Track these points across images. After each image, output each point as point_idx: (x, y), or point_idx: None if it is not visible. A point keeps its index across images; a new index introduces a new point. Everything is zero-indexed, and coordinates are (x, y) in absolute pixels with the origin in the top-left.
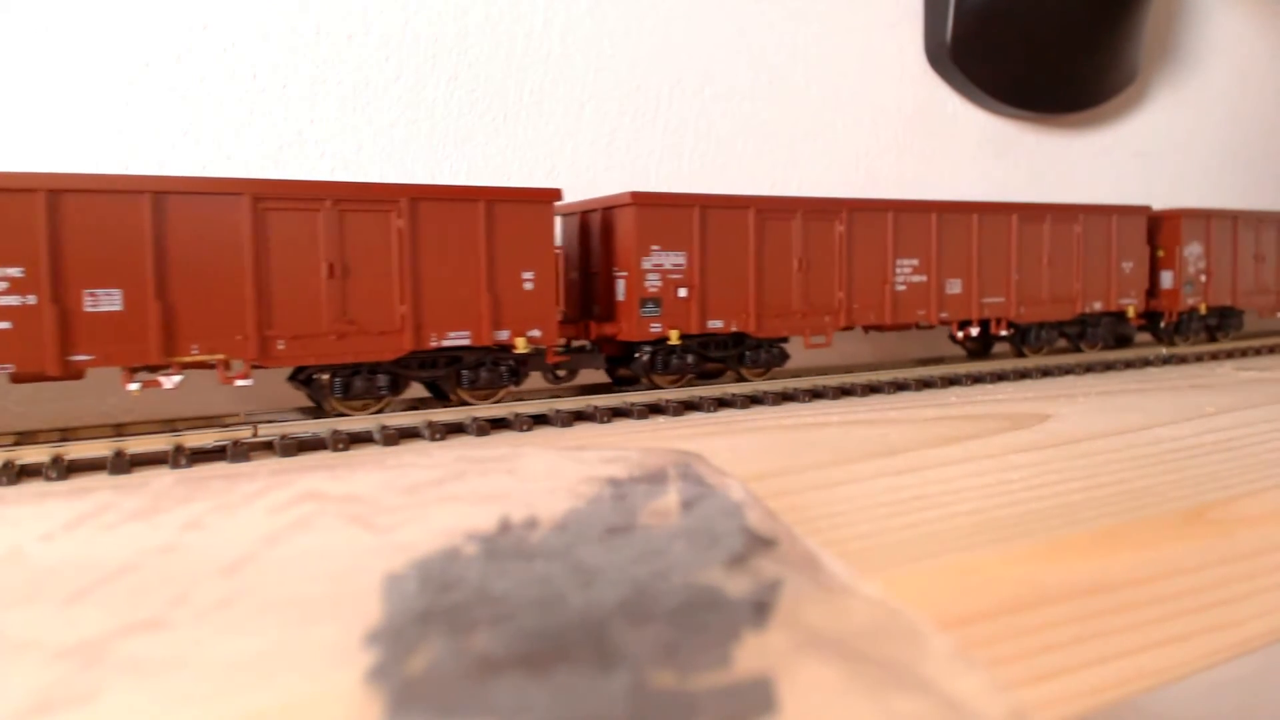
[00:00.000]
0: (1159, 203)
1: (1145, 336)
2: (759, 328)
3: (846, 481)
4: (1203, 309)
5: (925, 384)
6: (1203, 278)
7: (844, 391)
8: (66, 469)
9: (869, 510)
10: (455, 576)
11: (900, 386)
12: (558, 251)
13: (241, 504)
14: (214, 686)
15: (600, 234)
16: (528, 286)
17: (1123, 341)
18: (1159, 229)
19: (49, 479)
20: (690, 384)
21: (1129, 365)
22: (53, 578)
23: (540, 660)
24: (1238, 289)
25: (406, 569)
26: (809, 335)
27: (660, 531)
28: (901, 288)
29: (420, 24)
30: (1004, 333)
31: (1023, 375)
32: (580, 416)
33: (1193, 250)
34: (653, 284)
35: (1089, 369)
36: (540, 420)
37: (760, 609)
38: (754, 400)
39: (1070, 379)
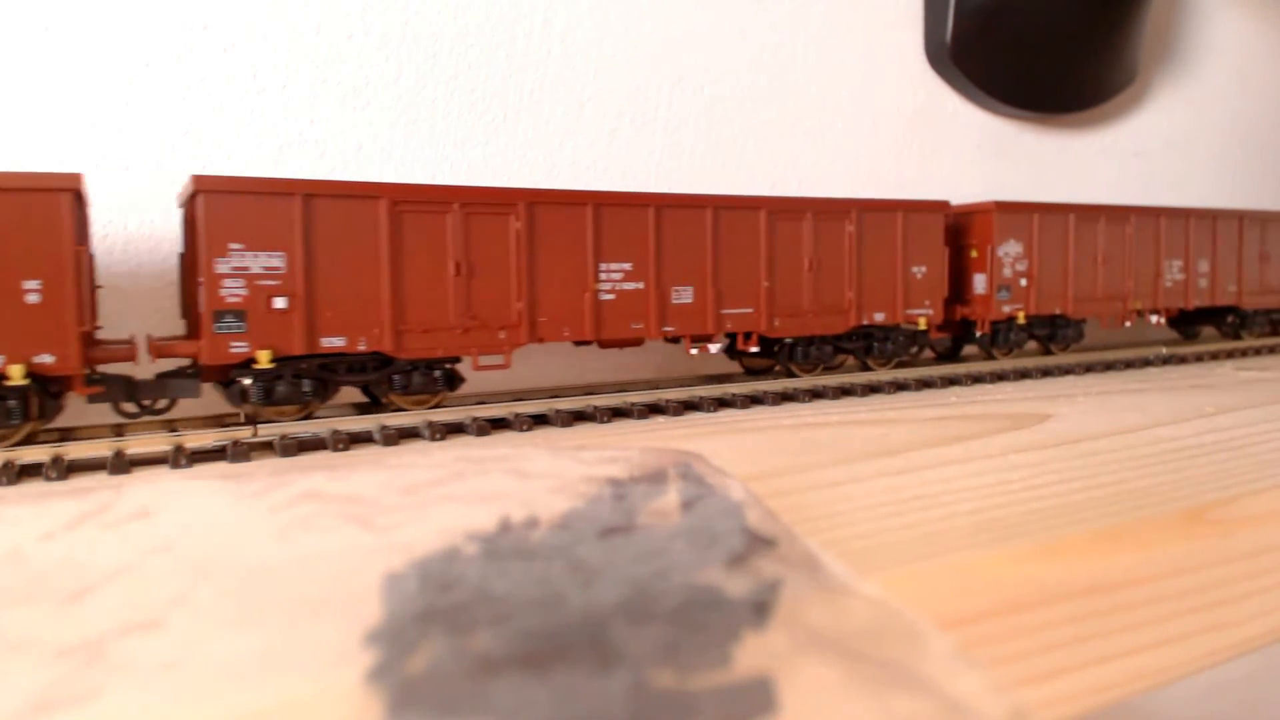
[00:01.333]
0: (1158, 203)
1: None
2: (399, 346)
3: (846, 481)
4: (1021, 318)
5: (925, 384)
6: (1023, 282)
7: (844, 391)
8: (66, 469)
9: (869, 510)
10: (455, 576)
11: (900, 386)
12: (83, 251)
13: (241, 504)
14: (214, 686)
15: (188, 231)
16: (32, 299)
17: (946, 356)
18: (970, 226)
19: (49, 479)
20: (320, 415)
21: (1129, 365)
22: (53, 578)
23: (540, 660)
24: (1072, 295)
25: (406, 569)
26: (478, 354)
27: (660, 531)
28: (608, 297)
29: (420, 24)
30: (754, 349)
31: (1023, 375)
32: (580, 416)
33: (1010, 250)
34: (234, 292)
35: (1089, 369)
36: (540, 420)
37: (760, 609)
38: (754, 400)
39: (1070, 379)
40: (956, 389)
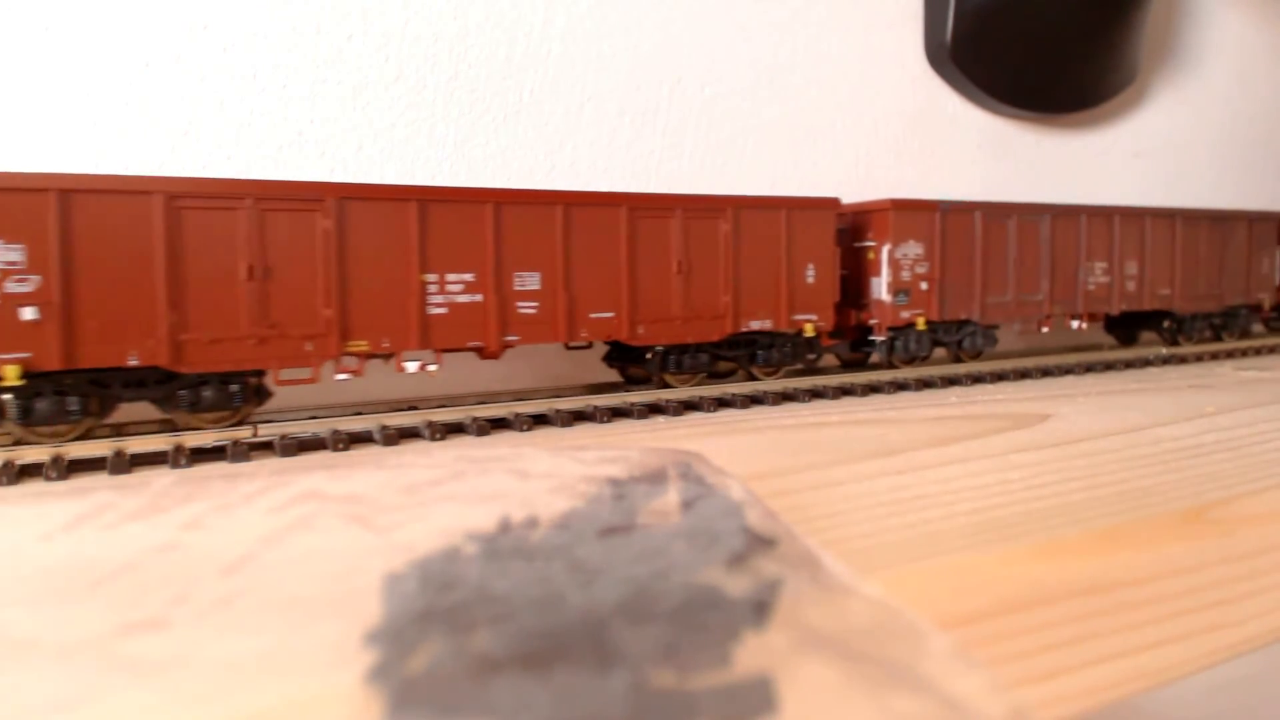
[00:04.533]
0: (1157, 203)
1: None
2: None
3: (846, 481)
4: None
5: (925, 384)
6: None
7: (844, 391)
8: (66, 469)
9: (869, 510)
10: (455, 576)
11: (900, 386)
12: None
13: (241, 504)
14: (214, 686)
15: None
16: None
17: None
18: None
19: (49, 479)
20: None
21: (1129, 365)
22: (53, 578)
23: (540, 660)
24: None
25: (406, 569)
26: None
27: (660, 531)
28: None
29: (420, 24)
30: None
31: (1023, 375)
32: (580, 416)
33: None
34: None
35: (1089, 369)
36: (540, 420)
37: (760, 609)
38: (754, 400)
39: (1070, 379)
40: (957, 389)
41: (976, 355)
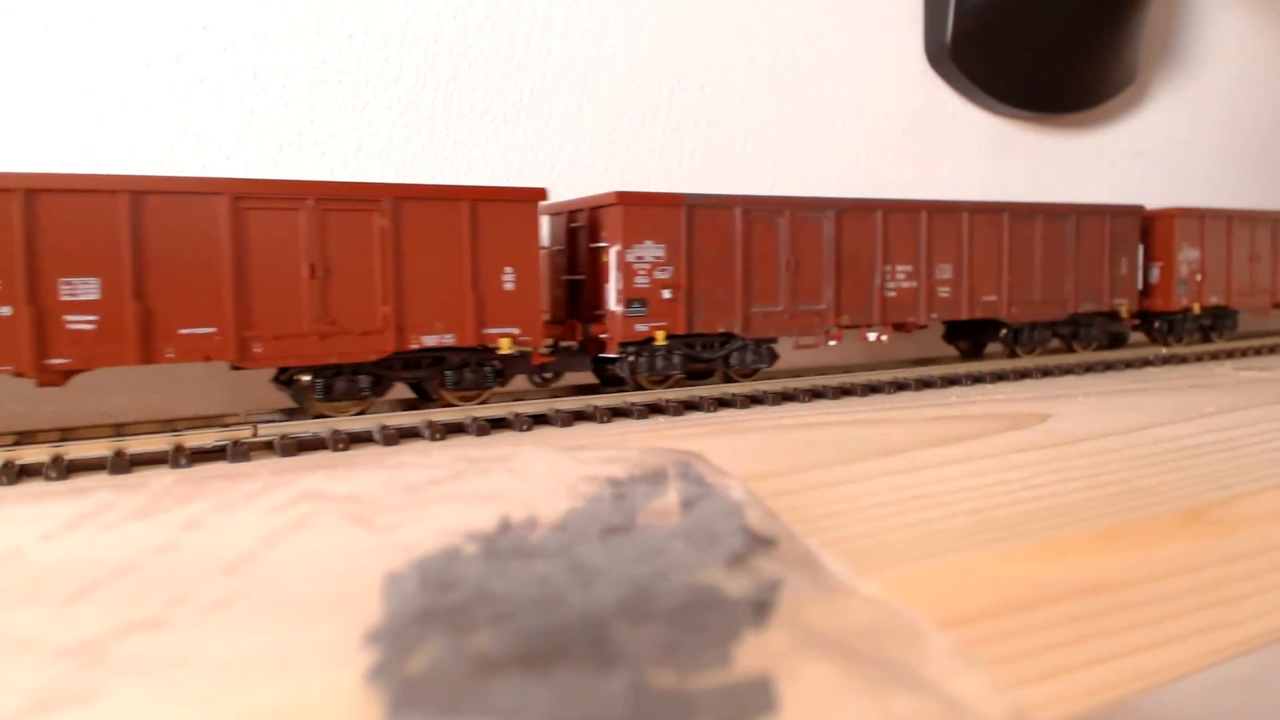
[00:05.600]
0: (1157, 204)
1: None
2: None
3: (846, 481)
4: None
5: (925, 384)
6: None
7: (844, 391)
8: (66, 469)
9: (869, 510)
10: (455, 576)
11: (900, 386)
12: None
13: (241, 504)
14: (214, 686)
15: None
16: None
17: None
18: None
19: (49, 479)
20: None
21: (1129, 365)
22: (53, 578)
23: (540, 660)
24: None
25: (406, 569)
26: None
27: (660, 531)
28: None
29: (420, 24)
30: None
31: (1023, 375)
32: (580, 416)
33: None
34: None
35: (1089, 369)
36: (540, 420)
37: (760, 609)
38: (754, 400)
39: (1070, 379)
40: (956, 389)
41: (751, 374)
